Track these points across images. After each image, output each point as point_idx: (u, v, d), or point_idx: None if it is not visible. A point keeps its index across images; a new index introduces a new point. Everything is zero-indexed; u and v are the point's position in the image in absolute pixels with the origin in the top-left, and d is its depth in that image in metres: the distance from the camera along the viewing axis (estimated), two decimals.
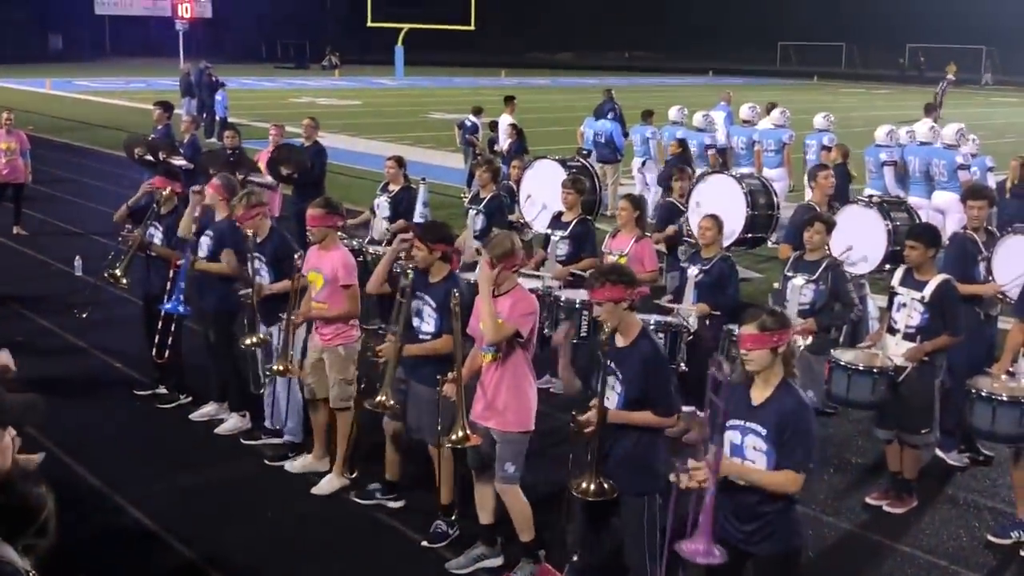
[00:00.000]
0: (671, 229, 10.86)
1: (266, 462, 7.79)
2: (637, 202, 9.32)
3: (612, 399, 5.32)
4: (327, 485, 7.31)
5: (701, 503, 4.54)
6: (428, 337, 6.50)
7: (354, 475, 7.36)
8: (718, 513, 4.62)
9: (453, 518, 6.65)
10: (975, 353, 7.83)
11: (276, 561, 6.43)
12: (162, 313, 8.54)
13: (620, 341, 5.31)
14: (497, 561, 6.36)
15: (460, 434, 5.88)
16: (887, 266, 9.26)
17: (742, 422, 4.66)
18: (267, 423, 8.20)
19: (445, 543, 6.56)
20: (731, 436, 4.71)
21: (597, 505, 5.38)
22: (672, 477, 4.66)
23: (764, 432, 4.61)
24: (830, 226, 7.93)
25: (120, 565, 6.15)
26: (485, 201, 10.48)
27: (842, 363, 7.15)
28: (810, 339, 7.57)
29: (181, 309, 8.44)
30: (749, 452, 4.67)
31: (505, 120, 18.66)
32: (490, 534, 6.38)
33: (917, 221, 9.91)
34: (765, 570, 4.83)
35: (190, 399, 8.82)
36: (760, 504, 4.71)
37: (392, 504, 7.07)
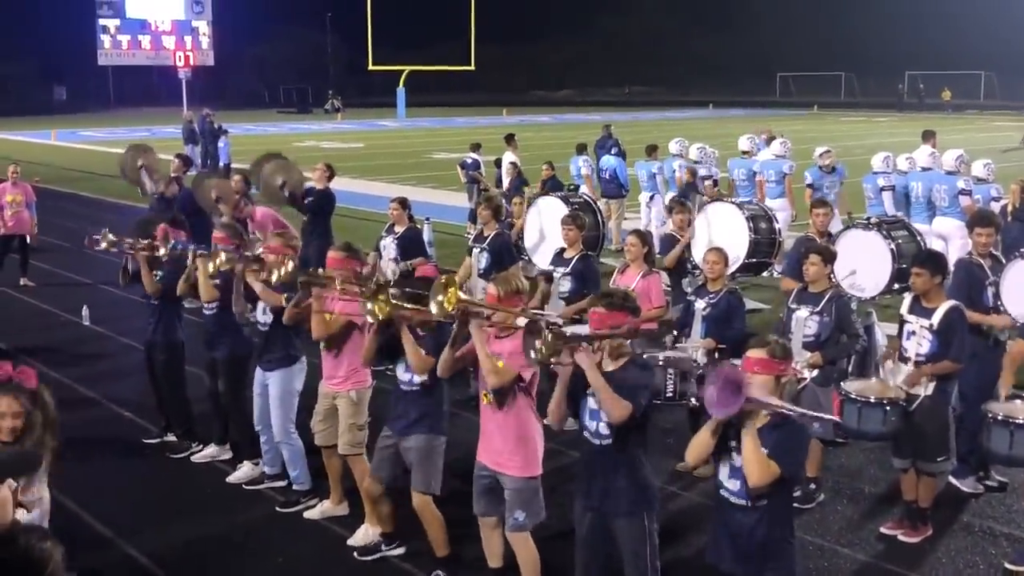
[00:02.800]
0: (671, 259, 10.81)
1: (277, 509, 7.76)
2: (645, 238, 9.34)
3: (594, 426, 5.35)
4: (362, 536, 7.19)
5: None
6: (407, 384, 6.52)
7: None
8: (716, 536, 4.88)
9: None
10: (986, 378, 7.80)
11: None
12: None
13: (609, 365, 5.33)
14: None
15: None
16: (895, 286, 9.24)
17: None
18: (266, 469, 8.19)
19: None
20: (734, 459, 4.83)
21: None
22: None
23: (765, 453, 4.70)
24: (827, 257, 7.91)
25: None
26: (489, 239, 10.46)
27: (852, 396, 7.12)
28: (816, 371, 7.55)
29: None
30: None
31: (507, 158, 18.77)
32: None
33: (918, 238, 9.94)
34: None
35: (201, 447, 8.80)
36: (758, 529, 4.80)
37: (396, 552, 7.00)
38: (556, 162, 17.70)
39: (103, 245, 8.88)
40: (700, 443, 4.88)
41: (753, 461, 4.64)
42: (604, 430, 5.32)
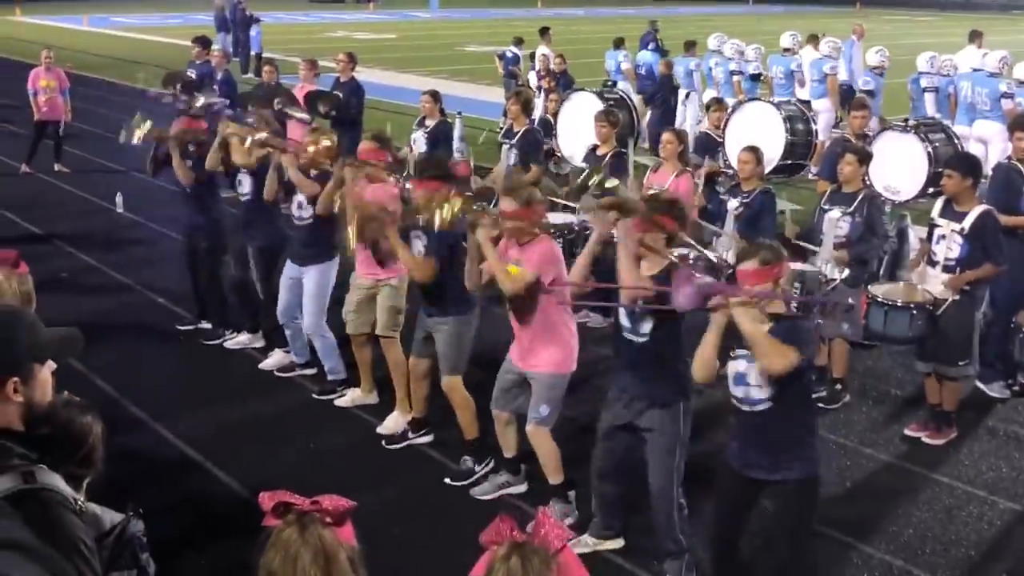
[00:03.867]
0: (710, 165, 10.70)
1: (314, 396, 7.90)
2: (681, 136, 9.25)
3: (645, 327, 5.38)
4: (392, 423, 7.32)
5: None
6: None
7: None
8: (739, 442, 4.86)
9: (486, 458, 6.67)
10: (1018, 284, 7.76)
11: (317, 490, 6.51)
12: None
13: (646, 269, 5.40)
14: (521, 488, 6.46)
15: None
16: (931, 189, 9.15)
17: (747, 351, 4.70)
18: (295, 358, 8.30)
19: (469, 481, 6.59)
20: (737, 365, 4.80)
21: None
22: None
23: None
24: (863, 157, 7.82)
25: (165, 494, 6.28)
26: (519, 135, 10.38)
27: (879, 298, 7.10)
28: (846, 272, 7.53)
29: None
30: (752, 379, 4.74)
31: (541, 52, 18.49)
32: (514, 462, 6.46)
33: (955, 140, 9.79)
34: (786, 494, 4.89)
35: (234, 335, 8.93)
36: (771, 429, 4.80)
37: (423, 440, 7.15)
38: (593, 57, 17.39)
39: (136, 137, 8.75)
40: (703, 357, 4.82)
41: (762, 345, 4.53)
42: (643, 328, 5.36)
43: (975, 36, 15.26)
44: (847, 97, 14.56)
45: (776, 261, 4.75)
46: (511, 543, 2.46)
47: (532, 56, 19.25)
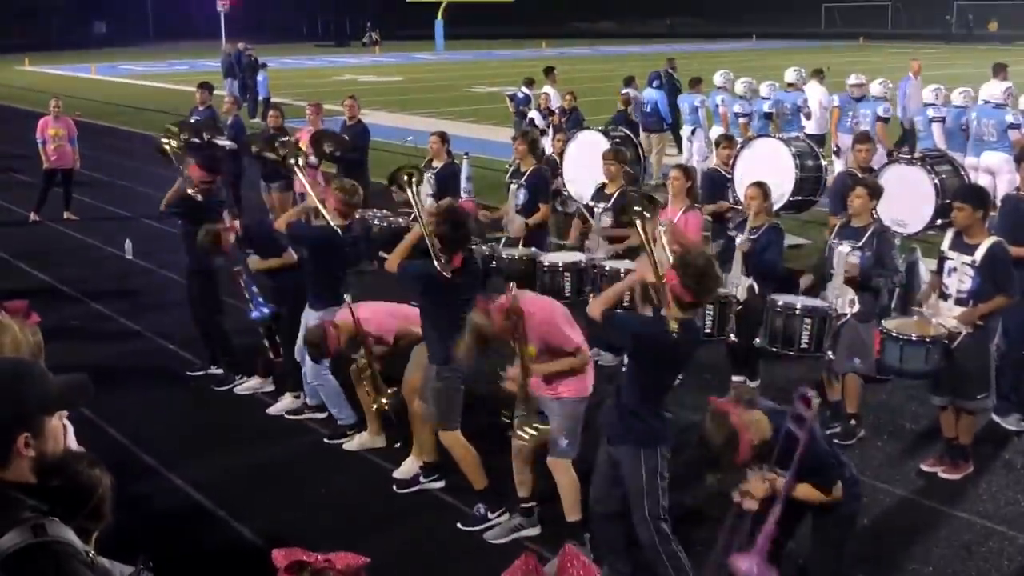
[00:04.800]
0: (722, 205, 10.68)
1: (325, 441, 7.86)
2: (689, 172, 9.25)
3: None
4: (407, 467, 7.26)
5: (760, 522, 4.61)
6: None
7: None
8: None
9: (500, 506, 6.59)
10: None
11: (331, 536, 6.48)
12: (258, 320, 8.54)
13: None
14: (534, 531, 6.40)
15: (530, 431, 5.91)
16: (939, 221, 9.12)
17: None
18: (308, 400, 8.28)
19: (481, 527, 6.51)
20: None
21: None
22: (735, 497, 4.72)
23: None
24: (873, 191, 7.80)
25: (177, 544, 6.24)
26: (527, 175, 10.37)
27: (894, 334, 7.05)
28: (857, 307, 7.48)
29: (267, 311, 8.43)
30: None
31: (544, 91, 18.56)
32: (527, 504, 6.41)
33: (962, 172, 9.77)
34: (827, 527, 4.93)
35: (244, 379, 8.90)
36: None
37: (435, 485, 7.09)
38: (603, 96, 17.46)
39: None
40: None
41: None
42: (626, 359, 5.43)
43: (999, 69, 15.18)
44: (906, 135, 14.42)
45: (734, 444, 4.63)
46: None
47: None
